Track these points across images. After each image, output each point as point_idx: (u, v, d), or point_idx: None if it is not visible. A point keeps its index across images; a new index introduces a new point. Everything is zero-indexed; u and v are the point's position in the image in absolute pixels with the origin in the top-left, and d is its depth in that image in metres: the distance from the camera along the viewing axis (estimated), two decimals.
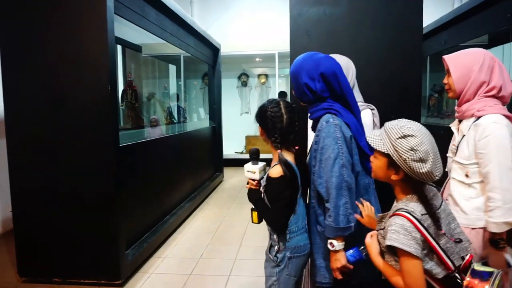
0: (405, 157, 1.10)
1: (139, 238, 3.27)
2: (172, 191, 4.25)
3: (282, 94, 7.12)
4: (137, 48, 5.61)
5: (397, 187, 1.20)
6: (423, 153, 1.09)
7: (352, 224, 1.39)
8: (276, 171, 1.48)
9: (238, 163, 7.63)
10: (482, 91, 1.57)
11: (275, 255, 1.54)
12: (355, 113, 1.53)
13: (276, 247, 1.54)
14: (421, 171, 1.09)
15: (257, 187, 1.61)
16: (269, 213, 1.52)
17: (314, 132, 1.55)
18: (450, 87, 1.66)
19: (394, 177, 1.16)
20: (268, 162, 1.64)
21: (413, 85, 2.29)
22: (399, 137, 1.11)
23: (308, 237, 1.57)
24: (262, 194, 1.56)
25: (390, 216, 1.17)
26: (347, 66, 1.83)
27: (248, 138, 8.18)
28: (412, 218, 1.10)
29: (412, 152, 1.09)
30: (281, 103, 1.54)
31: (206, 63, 6.32)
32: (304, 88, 1.52)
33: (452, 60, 1.64)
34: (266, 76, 8.64)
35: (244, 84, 8.59)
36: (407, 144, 1.10)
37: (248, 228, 4.02)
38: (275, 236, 1.55)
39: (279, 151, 1.51)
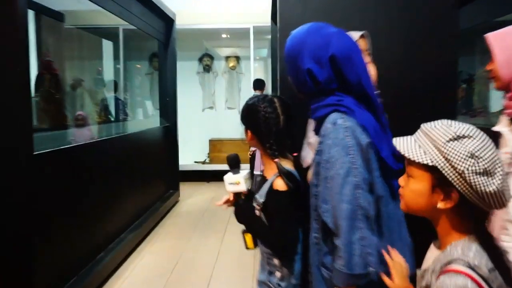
0: (462, 168, 1.00)
1: (61, 285, 3.17)
2: (109, 218, 4.18)
3: (258, 83, 7.08)
4: (57, 16, 5.51)
5: (444, 223, 1.09)
6: (489, 161, 0.99)
7: (372, 270, 1.33)
8: (283, 182, 1.61)
9: (200, 176, 7.61)
10: None
11: (278, 284, 1.68)
12: (376, 110, 1.50)
13: (278, 274, 1.68)
14: (487, 189, 0.99)
15: (235, 201, 1.78)
16: (276, 231, 1.62)
17: (318, 136, 1.53)
18: (495, 75, 1.68)
19: (442, 204, 1.05)
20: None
21: (447, 75, 2.34)
22: (451, 139, 1.02)
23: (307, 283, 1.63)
24: (258, 212, 1.69)
25: (440, 274, 1.04)
26: None
27: (213, 143, 8.21)
28: (478, 278, 0.98)
29: (472, 160, 0.99)
30: (276, 100, 1.67)
31: (156, 38, 6.28)
32: (305, 75, 1.48)
33: (496, 39, 1.65)
34: (237, 58, 8.72)
35: (207, 68, 8.62)
36: (463, 148, 1.00)
37: (216, 266, 3.99)
38: (276, 260, 1.67)
39: (276, 160, 1.64)
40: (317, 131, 1.55)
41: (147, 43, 7.51)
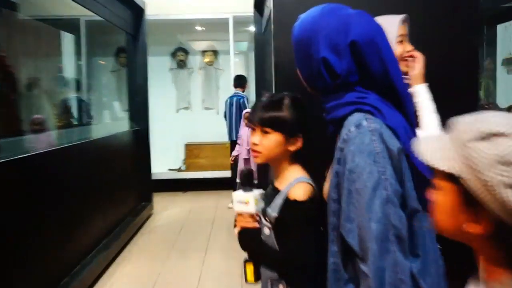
0: (487, 177, 0.82)
1: None
2: (73, 237, 4.12)
3: (240, 79, 7.11)
4: (10, 6, 5.42)
5: (482, 254, 0.92)
6: None
7: None
8: (301, 191, 1.60)
9: (175, 185, 7.65)
10: None
11: None
12: (406, 108, 1.42)
13: None
14: None
15: (253, 225, 1.71)
16: (291, 248, 1.61)
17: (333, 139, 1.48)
18: None
19: (471, 227, 0.87)
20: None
21: (467, 67, 2.41)
22: (473, 139, 0.85)
23: None
24: (268, 230, 1.68)
25: None
26: None
27: (189, 148, 8.28)
28: None
29: (503, 167, 0.81)
30: (298, 97, 1.70)
31: (123, 31, 6.29)
32: (320, 66, 1.39)
33: None
34: (215, 52, 8.82)
35: (182, 64, 8.70)
36: (490, 150, 0.82)
37: None
38: (281, 286, 1.67)
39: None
40: (332, 134, 1.48)
41: (113, 36, 7.51)
